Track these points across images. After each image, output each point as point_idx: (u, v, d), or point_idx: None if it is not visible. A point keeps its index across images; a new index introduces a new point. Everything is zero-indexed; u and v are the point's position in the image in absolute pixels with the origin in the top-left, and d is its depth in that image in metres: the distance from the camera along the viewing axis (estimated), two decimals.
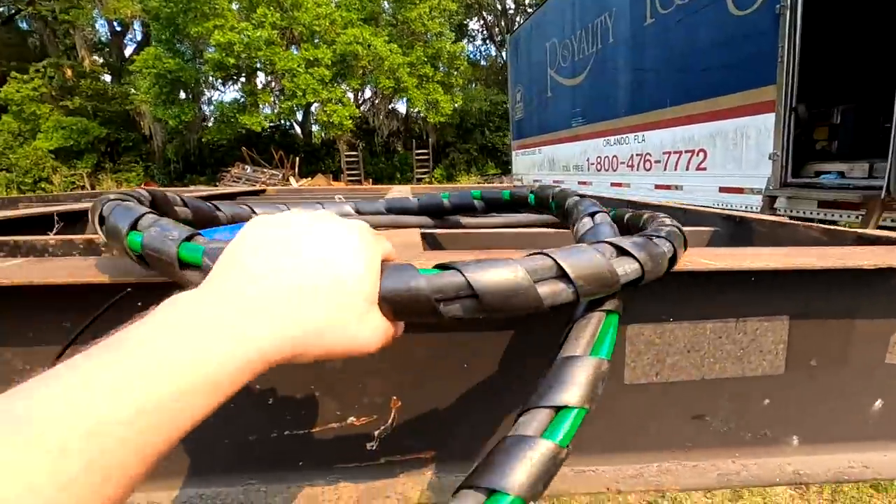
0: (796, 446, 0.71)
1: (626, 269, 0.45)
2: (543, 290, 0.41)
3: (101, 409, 0.26)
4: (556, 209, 0.77)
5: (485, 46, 33.35)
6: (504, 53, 28.25)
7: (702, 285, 0.65)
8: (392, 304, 0.39)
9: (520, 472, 0.36)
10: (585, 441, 0.68)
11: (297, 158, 23.93)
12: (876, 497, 2.64)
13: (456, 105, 24.16)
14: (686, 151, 5.23)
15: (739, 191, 4.50)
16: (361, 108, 26.01)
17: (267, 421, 0.63)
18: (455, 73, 23.87)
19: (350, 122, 21.75)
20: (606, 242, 0.45)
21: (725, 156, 4.71)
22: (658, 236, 0.51)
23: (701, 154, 5.02)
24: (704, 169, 4.94)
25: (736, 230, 1.22)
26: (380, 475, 0.65)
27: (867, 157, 3.75)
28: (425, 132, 26.64)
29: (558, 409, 0.40)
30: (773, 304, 0.67)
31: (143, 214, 0.47)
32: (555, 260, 0.41)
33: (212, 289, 0.36)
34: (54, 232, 1.29)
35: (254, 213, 0.83)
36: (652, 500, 2.68)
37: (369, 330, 0.38)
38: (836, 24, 5.04)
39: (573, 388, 0.40)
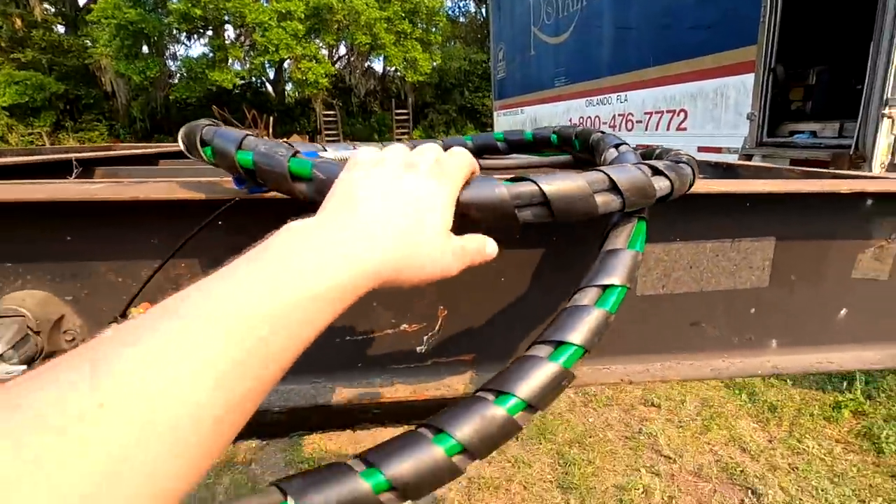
0: (775, 348, 0.84)
1: (661, 185, 0.54)
2: (599, 199, 0.50)
3: (261, 304, 0.32)
4: (580, 146, 0.85)
5: (464, 2, 32.28)
6: (484, 10, 27.43)
7: (704, 210, 0.76)
8: (480, 211, 0.47)
9: (581, 330, 0.46)
10: (602, 344, 0.79)
11: (271, 118, 23.20)
12: (829, 427, 2.94)
13: (434, 64, 23.57)
14: (667, 112, 5.34)
15: (717, 150, 4.66)
16: (337, 65, 25.11)
17: (331, 329, 0.72)
18: (434, 29, 23.15)
19: (326, 80, 21.06)
20: (645, 164, 0.54)
21: (705, 116, 4.84)
22: (681, 162, 0.61)
23: (682, 114, 5.13)
24: (685, 129, 5.07)
25: (724, 175, 1.33)
26: (428, 375, 0.76)
27: (839, 118, 3.91)
28: (403, 92, 26.01)
29: (605, 287, 0.50)
30: (762, 227, 0.78)
31: (246, 135, 0.54)
32: (608, 175, 0.50)
33: (327, 217, 0.41)
34: (74, 176, 1.32)
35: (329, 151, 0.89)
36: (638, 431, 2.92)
37: (452, 255, 0.45)
38: None
39: (617, 271, 0.50)
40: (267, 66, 23.08)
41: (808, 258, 0.81)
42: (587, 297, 0.49)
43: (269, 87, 26.75)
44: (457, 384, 0.76)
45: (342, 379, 0.74)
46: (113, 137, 22.91)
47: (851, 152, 2.69)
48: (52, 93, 21.34)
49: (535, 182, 0.48)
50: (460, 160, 0.48)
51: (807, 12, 4.86)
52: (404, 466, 0.38)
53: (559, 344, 0.45)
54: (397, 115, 24.44)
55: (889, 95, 2.35)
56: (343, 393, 0.72)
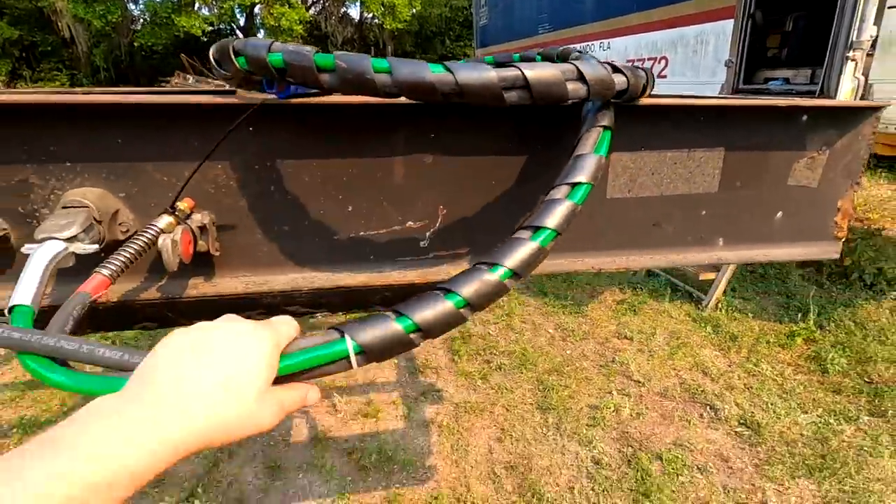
0: (721, 245, 1.00)
1: (619, 80, 0.66)
2: (569, 86, 0.61)
3: (55, 491, 0.33)
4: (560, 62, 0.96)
5: None
6: None
7: (665, 123, 0.88)
8: (473, 93, 0.59)
9: (555, 217, 0.59)
10: (575, 240, 0.93)
11: None
12: (782, 353, 3.22)
13: (414, 10, 22.64)
14: (648, 59, 5.37)
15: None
16: (311, 11, 23.94)
17: (348, 224, 0.84)
18: None
19: (300, 27, 20.13)
20: (608, 63, 0.66)
21: (685, 63, 4.90)
22: (638, 69, 0.73)
23: (662, 61, 5.18)
24: (665, 76, 5.13)
25: None
26: (430, 265, 0.89)
27: (812, 65, 4.03)
28: (381, 40, 25.08)
29: (574, 184, 0.63)
30: (714, 138, 0.91)
31: (273, 41, 0.63)
32: (577, 67, 0.62)
33: (126, 393, 0.42)
34: None
35: None
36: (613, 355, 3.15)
37: (269, 412, 0.45)
38: None
39: (584, 171, 0.63)
40: (237, 11, 21.88)
41: (752, 167, 0.95)
42: (560, 192, 0.62)
43: (241, 35, 25.51)
44: (443, 273, 0.89)
45: (357, 268, 0.86)
46: (75, 87, 21.78)
47: (817, 95, 2.82)
48: (5, 39, 19.99)
49: (518, 68, 0.59)
50: (287, 319, 0.53)
51: None
52: (426, 314, 0.52)
53: (537, 228, 0.58)
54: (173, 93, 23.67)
55: (854, 38, 2.47)
56: (359, 277, 0.85)
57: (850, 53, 2.41)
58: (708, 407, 2.76)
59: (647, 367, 3.14)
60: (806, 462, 2.34)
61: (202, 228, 0.74)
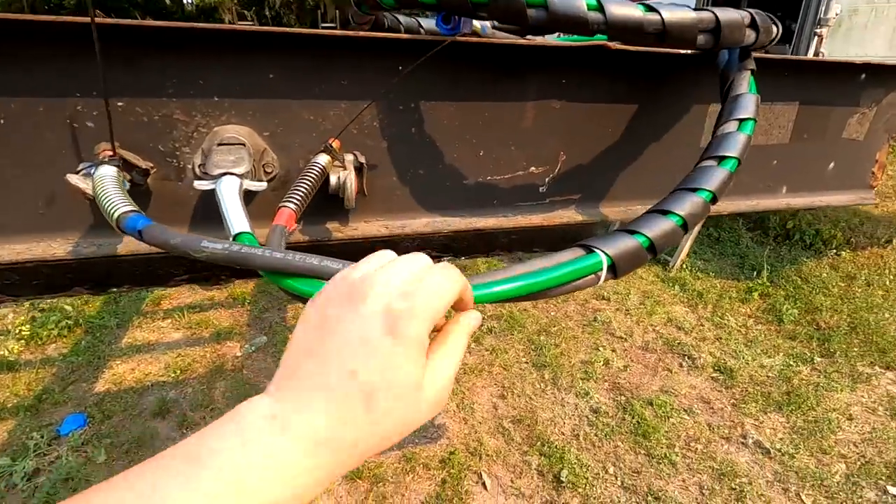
0: (784, 192, 1.10)
1: (750, 33, 0.71)
2: (747, 32, 0.66)
3: None
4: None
5: None
6: None
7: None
8: (670, 31, 0.62)
9: (715, 181, 0.64)
10: (665, 184, 1.00)
11: None
12: (743, 307, 3.54)
13: None
14: None
15: None
16: None
17: (478, 168, 0.85)
18: None
19: None
20: (746, 11, 0.71)
21: None
22: (770, 17, 0.78)
23: None
24: None
25: None
26: (547, 209, 0.93)
27: (784, 42, 4.34)
28: (322, 4, 23.87)
29: (741, 120, 0.68)
30: (791, 92, 1.00)
31: None
32: (751, 14, 0.67)
33: (279, 399, 0.33)
34: None
35: None
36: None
37: (425, 408, 0.35)
38: None
39: (748, 108, 0.68)
40: None
41: (818, 121, 1.05)
42: (731, 126, 0.67)
43: None
44: (567, 216, 0.93)
45: (484, 212, 0.88)
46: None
47: None
48: None
49: (712, 12, 0.63)
50: (437, 287, 0.36)
51: None
52: (656, 231, 0.56)
53: (723, 158, 0.64)
54: (324, 28, 22.65)
55: (822, 15, 2.71)
56: (489, 220, 0.87)
57: (818, 30, 2.63)
58: (686, 357, 3.01)
59: (627, 324, 3.36)
60: (774, 399, 2.64)
61: (359, 169, 0.73)
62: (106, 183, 0.55)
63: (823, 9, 2.68)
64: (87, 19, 0.58)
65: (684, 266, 4.06)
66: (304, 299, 0.46)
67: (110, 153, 0.61)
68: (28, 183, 0.66)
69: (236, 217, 0.54)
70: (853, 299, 3.50)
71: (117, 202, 0.52)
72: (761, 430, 2.47)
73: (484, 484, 2.23)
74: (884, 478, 2.20)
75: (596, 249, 0.53)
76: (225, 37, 0.66)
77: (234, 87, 0.69)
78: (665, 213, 0.58)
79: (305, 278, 0.46)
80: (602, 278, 0.54)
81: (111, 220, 0.51)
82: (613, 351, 3.06)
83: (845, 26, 3.12)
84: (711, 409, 2.60)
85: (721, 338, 3.18)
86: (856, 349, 3.01)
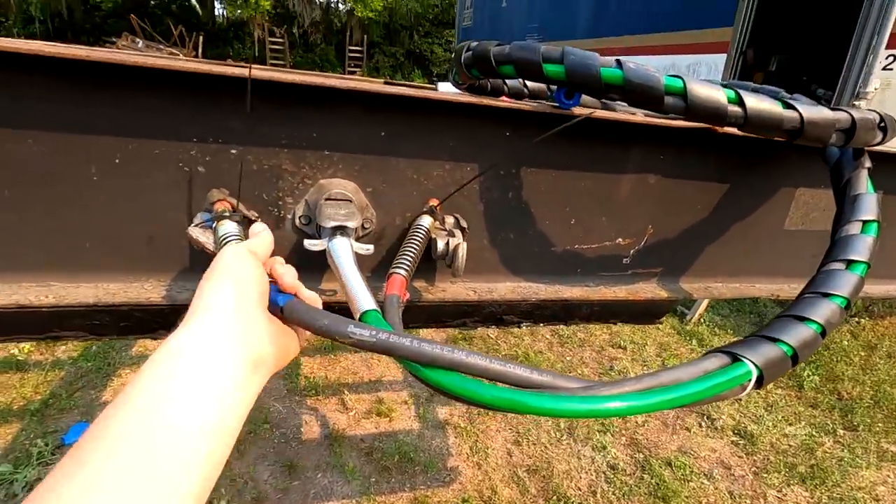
0: None
1: (879, 134, 0.70)
2: (834, 137, 0.65)
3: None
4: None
5: None
6: None
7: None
8: (807, 136, 0.61)
9: (848, 286, 0.61)
10: (755, 266, 0.98)
11: (201, 37, 20.96)
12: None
13: (387, 1, 22.30)
14: None
15: None
16: None
17: (567, 236, 0.84)
18: None
19: (268, 2, 19.27)
20: (876, 112, 0.70)
21: None
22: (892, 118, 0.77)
23: None
24: None
25: None
26: (629, 281, 0.90)
27: None
28: (350, 27, 24.50)
29: (865, 222, 0.66)
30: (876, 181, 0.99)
31: (587, 53, 0.62)
32: (881, 115, 0.66)
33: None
34: None
35: None
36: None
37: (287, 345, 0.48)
38: None
39: (871, 210, 0.67)
40: None
41: (891, 210, 1.04)
42: (855, 228, 0.65)
43: (195, 3, 23.95)
44: (651, 291, 0.91)
45: (568, 280, 0.86)
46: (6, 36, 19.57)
47: None
48: None
49: (847, 111, 0.62)
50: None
51: (778, 3, 5.27)
52: (795, 340, 0.54)
53: (852, 262, 0.62)
54: (351, 51, 23.22)
55: (861, 89, 2.74)
56: (574, 290, 0.85)
57: (856, 102, 2.66)
58: (704, 416, 2.94)
59: None
60: (797, 471, 2.56)
61: (462, 233, 0.71)
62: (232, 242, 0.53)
63: (862, 81, 2.71)
64: (224, 70, 0.57)
65: (702, 320, 4.01)
66: (456, 397, 0.43)
67: (230, 207, 0.59)
68: (131, 223, 0.65)
69: (361, 292, 0.52)
70: (875, 370, 3.43)
71: None
72: (784, 503, 2.38)
73: None
74: None
75: (744, 359, 0.51)
76: (347, 95, 0.65)
77: (346, 142, 0.68)
78: (802, 319, 0.56)
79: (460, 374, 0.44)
80: (748, 389, 0.51)
81: None
82: None
83: (877, 99, 3.16)
84: (732, 476, 2.52)
85: (740, 399, 3.11)
86: (880, 424, 2.94)
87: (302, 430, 2.64)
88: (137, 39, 19.75)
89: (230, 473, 2.31)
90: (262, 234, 0.53)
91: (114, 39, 19.43)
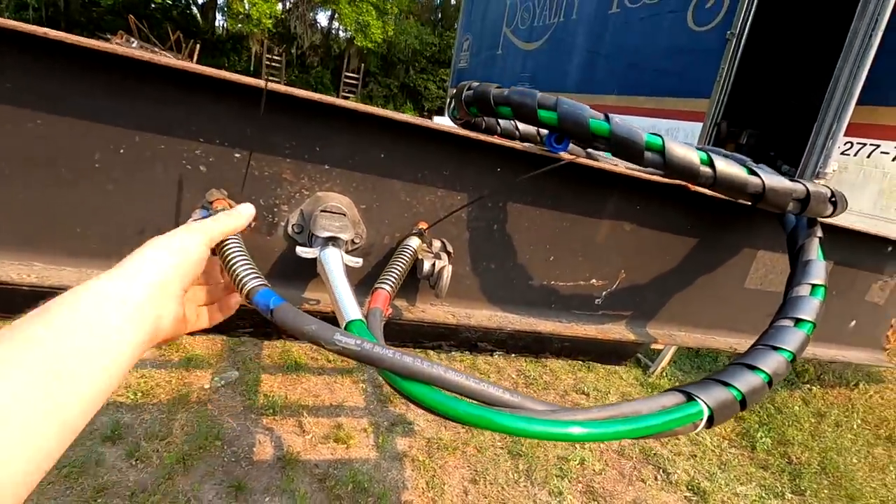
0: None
1: (830, 207, 0.78)
2: (791, 205, 0.72)
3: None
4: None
5: None
6: None
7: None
8: (767, 201, 0.67)
9: (795, 342, 0.67)
10: (714, 319, 1.04)
11: (197, 45, 21.06)
12: (718, 427, 3.55)
13: (388, 34, 22.95)
14: None
15: None
16: (281, 5, 23.41)
17: (545, 271, 0.88)
18: None
19: (270, 21, 19.59)
20: (828, 187, 0.78)
21: None
22: (842, 195, 0.85)
23: None
24: None
25: None
26: (599, 321, 0.94)
27: None
28: (348, 53, 25.03)
29: (814, 286, 0.72)
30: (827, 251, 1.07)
31: (579, 105, 0.68)
32: (832, 191, 0.73)
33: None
34: None
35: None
36: None
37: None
38: (763, 62, 5.99)
39: (819, 275, 0.73)
40: None
41: (846, 281, 1.12)
42: (804, 290, 0.72)
43: (196, 12, 24.17)
44: (620, 332, 0.95)
45: (542, 314, 0.90)
46: None
47: None
48: None
49: (802, 184, 0.69)
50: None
51: (752, 81, 5.68)
52: (745, 385, 0.58)
53: (799, 320, 0.67)
54: (347, 77, 23.67)
55: (821, 169, 2.96)
56: (547, 324, 0.88)
57: (816, 181, 2.87)
58: (661, 469, 2.96)
59: None
60: None
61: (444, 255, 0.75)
62: (231, 245, 0.54)
63: (822, 162, 2.93)
64: (240, 80, 0.61)
65: (664, 373, 4.09)
66: (432, 410, 0.45)
67: (228, 207, 0.61)
68: (124, 213, 0.66)
69: (348, 302, 0.54)
70: (823, 438, 3.55)
71: (249, 272, 0.52)
72: None
73: None
74: None
75: (698, 399, 0.54)
76: (354, 116, 0.69)
77: (347, 159, 0.71)
78: (752, 367, 0.60)
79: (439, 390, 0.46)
80: (699, 427, 0.55)
81: (239, 288, 0.51)
82: (591, 451, 3.00)
83: (835, 180, 3.39)
84: None
85: (696, 455, 3.15)
86: (825, 490, 3.01)
87: (255, 449, 2.55)
88: (132, 39, 19.68)
89: (171, 489, 2.19)
90: (220, 216, 0.56)
91: (108, 36, 19.30)
